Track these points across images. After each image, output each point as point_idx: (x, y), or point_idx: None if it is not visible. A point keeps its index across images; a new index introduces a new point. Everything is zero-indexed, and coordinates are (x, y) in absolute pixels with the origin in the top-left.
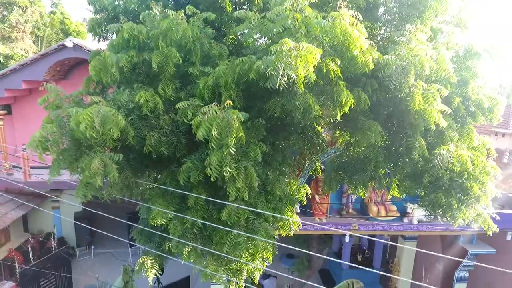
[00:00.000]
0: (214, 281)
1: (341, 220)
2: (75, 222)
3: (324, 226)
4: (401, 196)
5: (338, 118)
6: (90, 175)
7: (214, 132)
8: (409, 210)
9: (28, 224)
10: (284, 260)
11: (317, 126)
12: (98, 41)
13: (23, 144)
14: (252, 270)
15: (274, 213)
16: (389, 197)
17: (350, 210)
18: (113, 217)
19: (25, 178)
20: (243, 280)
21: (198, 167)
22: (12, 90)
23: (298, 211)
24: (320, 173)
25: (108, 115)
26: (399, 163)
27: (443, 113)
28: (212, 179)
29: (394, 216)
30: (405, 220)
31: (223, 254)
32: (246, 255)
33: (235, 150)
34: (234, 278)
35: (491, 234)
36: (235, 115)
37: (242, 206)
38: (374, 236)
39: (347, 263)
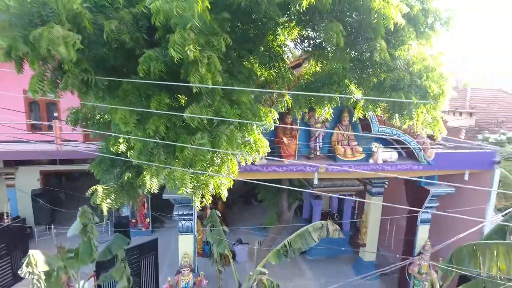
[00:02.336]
0: (180, 192)
1: (309, 161)
2: (33, 200)
3: (293, 164)
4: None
5: (304, 6)
6: (49, 43)
7: (175, 9)
8: (374, 149)
9: None
10: (256, 230)
11: (283, 32)
12: None
13: None
14: (219, 184)
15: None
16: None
17: (318, 153)
18: (74, 193)
19: None
20: (210, 195)
21: (159, 58)
22: None
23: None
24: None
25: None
26: (364, 75)
27: (403, 15)
28: (175, 60)
29: (360, 157)
30: (371, 160)
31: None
32: (211, 170)
33: (199, 26)
34: (200, 191)
35: (439, 138)
36: None
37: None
38: (343, 195)
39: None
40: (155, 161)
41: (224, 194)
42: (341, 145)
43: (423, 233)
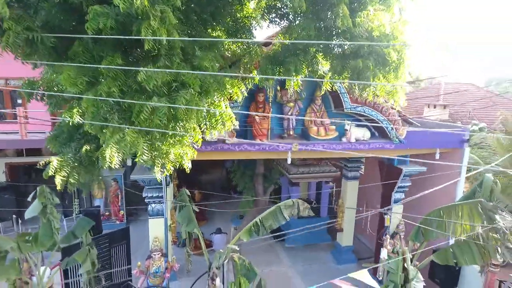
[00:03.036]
0: (137, 160)
1: (282, 141)
2: None
3: (266, 143)
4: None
5: None
6: None
7: None
8: (346, 127)
9: None
10: (235, 221)
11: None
12: None
13: None
14: (181, 154)
15: (201, 88)
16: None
17: (291, 133)
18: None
19: None
20: (171, 165)
21: (109, 14)
22: None
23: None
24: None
25: None
26: (329, 46)
27: None
28: (125, 13)
29: (333, 135)
30: (344, 139)
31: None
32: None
33: None
34: (160, 160)
35: (400, 108)
36: None
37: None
38: (320, 181)
39: None
40: (109, 126)
41: (187, 165)
42: (314, 125)
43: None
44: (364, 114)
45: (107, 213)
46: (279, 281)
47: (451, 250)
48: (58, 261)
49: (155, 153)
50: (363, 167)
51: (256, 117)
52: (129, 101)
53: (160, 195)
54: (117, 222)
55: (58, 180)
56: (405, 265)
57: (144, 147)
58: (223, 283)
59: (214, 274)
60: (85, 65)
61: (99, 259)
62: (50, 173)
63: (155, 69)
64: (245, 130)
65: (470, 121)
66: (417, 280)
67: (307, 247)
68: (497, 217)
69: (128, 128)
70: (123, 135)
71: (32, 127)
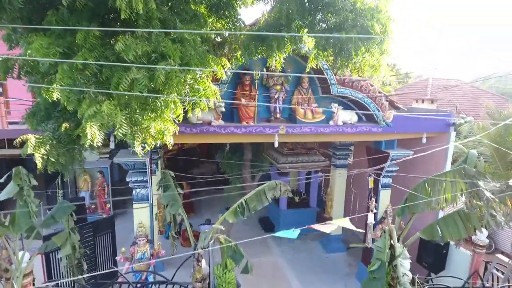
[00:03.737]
0: (115, 133)
1: (269, 123)
2: None
3: (252, 126)
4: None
5: None
6: None
7: None
8: (334, 110)
9: None
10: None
11: None
12: None
13: None
14: (162, 129)
15: (181, 60)
16: (313, 100)
17: (278, 116)
18: None
19: None
20: (151, 140)
21: None
22: None
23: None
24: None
25: None
26: (315, 22)
27: None
28: None
29: (321, 118)
30: (331, 122)
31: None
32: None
33: None
34: (140, 134)
35: (385, 82)
36: None
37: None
38: (309, 172)
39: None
40: (86, 99)
41: (169, 142)
42: (301, 107)
43: (384, 197)
44: (351, 97)
45: (93, 206)
46: (268, 270)
47: (436, 225)
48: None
49: (135, 127)
50: (351, 155)
51: (243, 100)
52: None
53: (144, 179)
54: (104, 216)
55: (37, 158)
56: (392, 242)
57: (123, 120)
58: (209, 266)
59: (199, 255)
60: (59, 27)
61: (84, 248)
62: (29, 151)
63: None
64: (231, 113)
65: (458, 115)
66: (404, 257)
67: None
68: (480, 183)
69: (106, 96)
70: (100, 107)
71: (15, 116)
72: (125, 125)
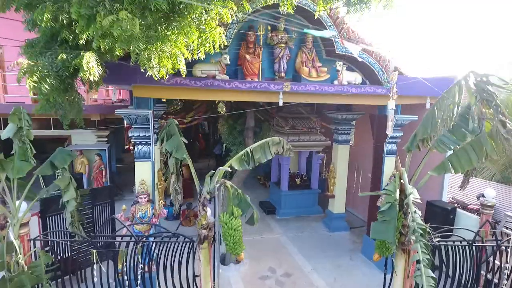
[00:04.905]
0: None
1: (273, 81)
2: None
3: (257, 82)
4: None
5: None
6: None
7: None
8: (338, 68)
9: None
10: None
11: None
12: None
13: None
14: (176, 53)
15: None
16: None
17: (282, 75)
18: None
19: None
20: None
21: None
22: None
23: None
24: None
25: None
26: None
27: None
28: None
29: (325, 77)
30: (336, 82)
31: None
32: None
33: None
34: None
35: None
36: None
37: None
38: (311, 152)
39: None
40: (100, 12)
41: (183, 69)
42: (306, 66)
43: (389, 164)
44: (355, 56)
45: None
46: (270, 246)
47: (448, 161)
48: (37, 211)
49: (150, 46)
50: (353, 130)
51: (247, 56)
52: None
53: (147, 135)
54: None
55: (28, 84)
56: (402, 181)
57: (139, 34)
58: (214, 216)
59: (205, 199)
60: None
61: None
62: (20, 75)
63: None
64: (236, 73)
65: None
66: (415, 197)
67: (298, 218)
68: (489, 87)
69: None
70: (117, 18)
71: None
72: (142, 40)
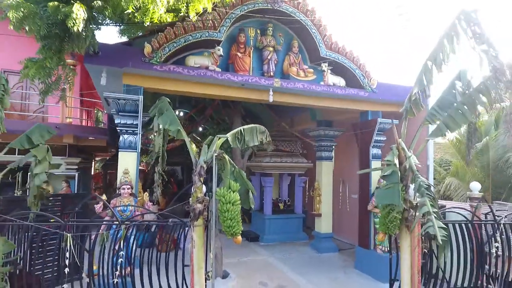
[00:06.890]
0: None
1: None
2: None
3: (248, 76)
4: None
5: None
6: None
7: None
8: (324, 69)
9: None
10: None
11: None
12: None
13: None
14: None
15: None
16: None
17: (271, 74)
18: None
19: None
20: None
21: None
22: None
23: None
24: None
25: None
26: None
27: None
28: None
29: (312, 77)
30: (322, 83)
31: None
32: None
33: None
34: None
35: None
36: None
37: None
38: (294, 174)
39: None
40: None
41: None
42: (294, 67)
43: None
44: (338, 61)
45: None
46: (258, 265)
47: (442, 123)
48: None
49: None
50: (334, 147)
51: (238, 54)
52: None
53: (134, 123)
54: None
55: (11, 16)
56: (401, 149)
57: None
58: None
59: (201, 169)
60: None
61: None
62: (3, 5)
63: None
64: (227, 68)
65: None
66: (414, 162)
67: (284, 244)
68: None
69: None
70: None
71: None
72: None
